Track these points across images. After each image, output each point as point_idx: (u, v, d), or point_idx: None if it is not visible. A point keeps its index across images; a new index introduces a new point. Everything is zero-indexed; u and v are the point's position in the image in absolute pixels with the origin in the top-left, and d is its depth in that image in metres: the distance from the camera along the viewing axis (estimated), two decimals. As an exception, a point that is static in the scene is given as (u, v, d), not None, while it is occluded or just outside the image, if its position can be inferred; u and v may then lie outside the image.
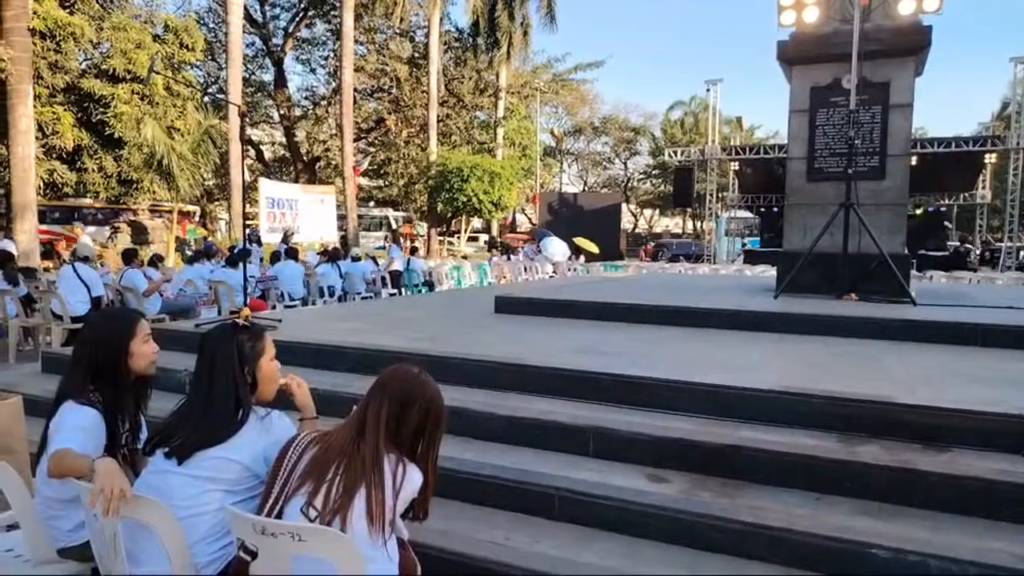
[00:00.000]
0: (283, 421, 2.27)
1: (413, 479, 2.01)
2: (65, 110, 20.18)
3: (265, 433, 2.19)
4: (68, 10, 20.23)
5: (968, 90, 63.28)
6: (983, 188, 27.71)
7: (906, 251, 7.12)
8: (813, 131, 7.29)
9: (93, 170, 21.35)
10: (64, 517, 2.38)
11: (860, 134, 6.93)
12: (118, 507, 1.90)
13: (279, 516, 1.97)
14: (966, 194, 28.08)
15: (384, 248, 25.10)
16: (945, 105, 62.72)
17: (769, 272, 14.41)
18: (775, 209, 26.87)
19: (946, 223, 29.36)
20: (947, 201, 28.96)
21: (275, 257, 12.06)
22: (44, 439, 2.36)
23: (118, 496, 1.90)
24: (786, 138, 7.84)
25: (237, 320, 2.90)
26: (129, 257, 9.04)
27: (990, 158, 25.62)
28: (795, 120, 7.41)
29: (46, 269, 15.04)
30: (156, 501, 2.00)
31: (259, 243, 15.91)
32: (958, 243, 26.28)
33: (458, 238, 36.97)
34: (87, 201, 23.17)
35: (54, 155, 20.19)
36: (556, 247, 20.80)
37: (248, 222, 9.08)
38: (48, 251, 19.10)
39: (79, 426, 2.25)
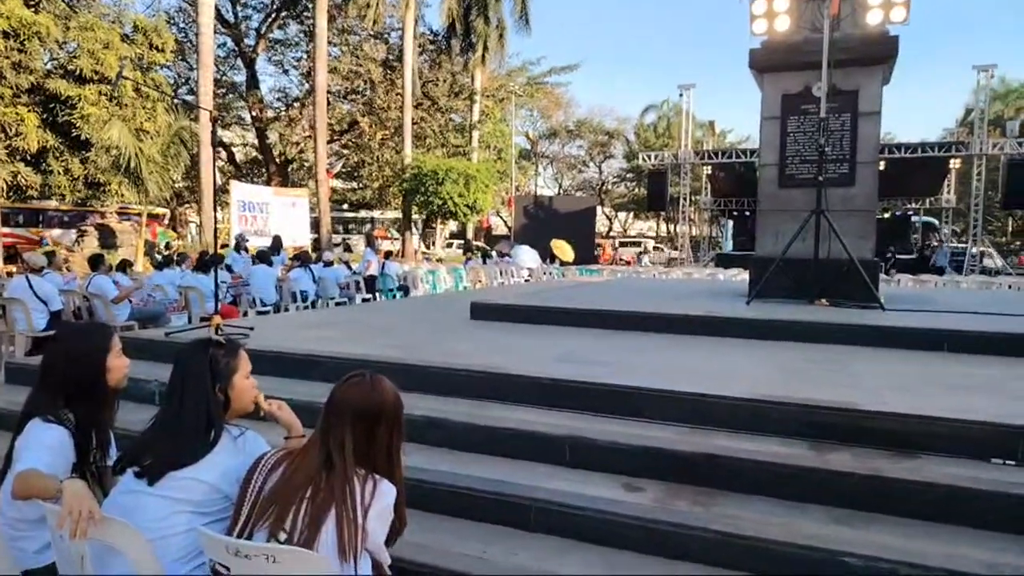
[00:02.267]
0: (258, 442, 2.22)
1: (385, 494, 1.94)
2: (29, 111, 19.69)
3: (238, 454, 2.14)
4: (33, 9, 19.77)
5: (934, 96, 64.75)
6: (948, 192, 28.39)
7: (875, 256, 7.25)
8: (784, 138, 7.39)
9: (59, 172, 20.84)
10: (29, 538, 2.31)
11: (830, 141, 7.05)
12: (86, 529, 1.85)
13: (249, 539, 1.92)
14: (932, 198, 28.75)
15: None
16: (911, 110, 64.06)
17: (741, 276, 14.58)
18: (747, 213, 27.23)
19: (941, 225, 30.05)
20: (914, 205, 29.61)
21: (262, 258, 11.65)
22: (8, 458, 2.29)
23: (86, 518, 1.85)
24: (757, 143, 7.93)
25: (212, 336, 2.82)
26: (96, 263, 8.85)
27: (955, 163, 26.27)
28: (767, 127, 7.51)
29: (8, 274, 14.65)
30: (126, 522, 1.95)
31: (246, 249, 14.92)
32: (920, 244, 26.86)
33: (434, 242, 36.75)
34: (52, 204, 22.64)
35: (18, 157, 19.70)
36: (526, 255, 21.88)
37: (217, 225, 8.71)
38: (11, 255, 18.66)
39: (46, 445, 2.19)
